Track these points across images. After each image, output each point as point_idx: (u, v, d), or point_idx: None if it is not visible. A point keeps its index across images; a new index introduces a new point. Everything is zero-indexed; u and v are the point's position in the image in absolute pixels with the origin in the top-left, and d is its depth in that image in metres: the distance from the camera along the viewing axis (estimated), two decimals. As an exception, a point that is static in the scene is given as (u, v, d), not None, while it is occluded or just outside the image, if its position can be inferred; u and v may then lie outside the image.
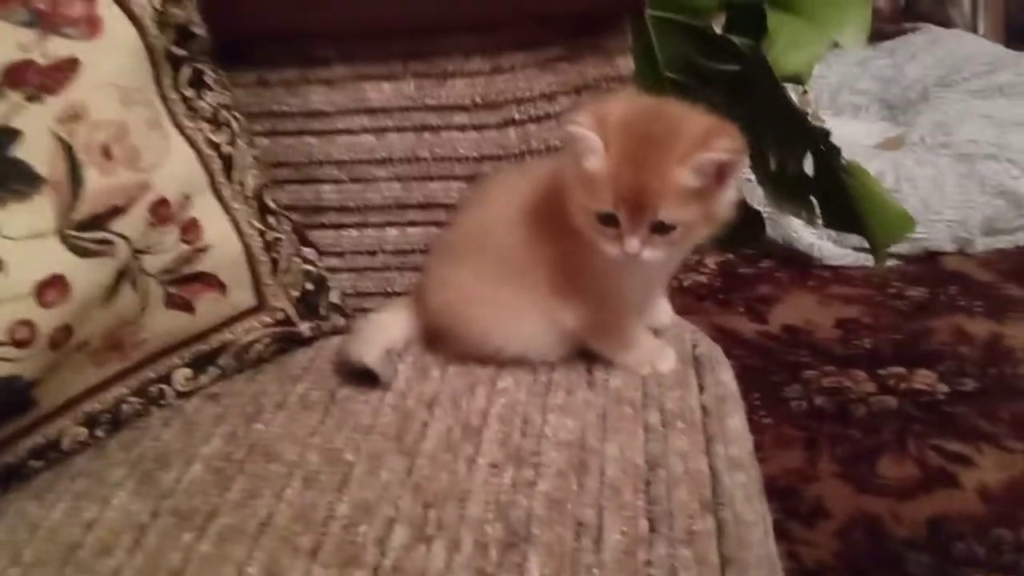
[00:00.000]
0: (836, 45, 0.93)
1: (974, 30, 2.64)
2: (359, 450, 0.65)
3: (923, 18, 2.69)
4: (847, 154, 0.92)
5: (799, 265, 1.94)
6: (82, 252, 0.62)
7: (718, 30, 0.88)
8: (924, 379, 1.54)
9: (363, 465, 0.64)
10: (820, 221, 0.99)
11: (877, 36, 2.37)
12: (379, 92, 0.77)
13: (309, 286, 0.79)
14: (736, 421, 0.67)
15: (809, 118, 0.93)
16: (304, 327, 0.79)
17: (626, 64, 0.73)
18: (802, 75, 0.93)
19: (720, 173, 0.61)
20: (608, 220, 0.63)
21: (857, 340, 1.68)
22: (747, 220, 0.93)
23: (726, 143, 0.60)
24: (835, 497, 1.29)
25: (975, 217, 1.89)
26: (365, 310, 0.84)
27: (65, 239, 0.61)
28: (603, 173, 0.61)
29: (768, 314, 1.78)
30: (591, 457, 0.61)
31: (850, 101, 2.37)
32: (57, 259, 0.61)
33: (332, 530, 0.58)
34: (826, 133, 0.90)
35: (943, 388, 1.51)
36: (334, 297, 0.82)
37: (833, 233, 1.85)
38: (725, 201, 0.64)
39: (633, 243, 0.62)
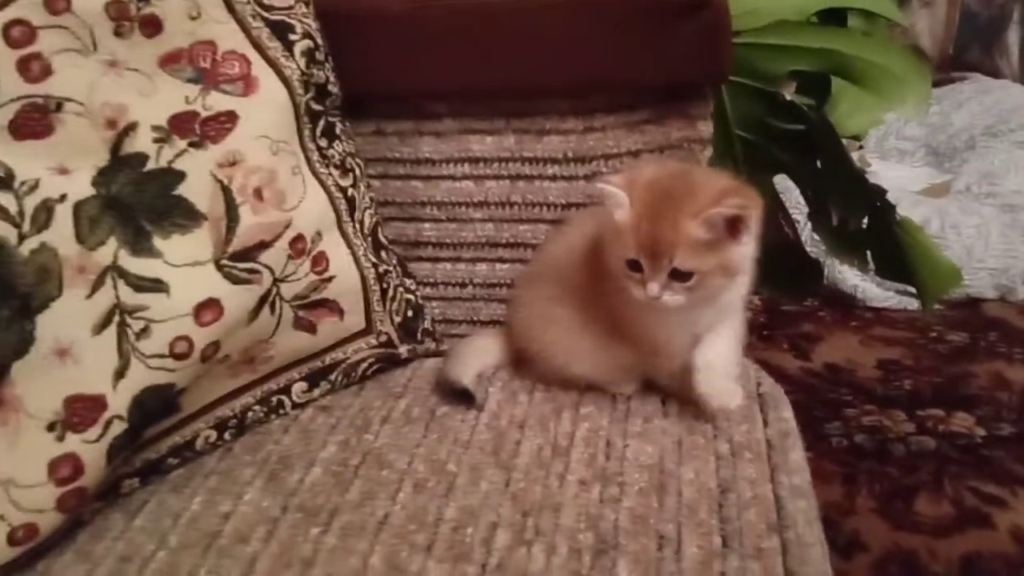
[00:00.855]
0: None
1: (1022, 81, 2.69)
2: (460, 462, 0.74)
3: (972, 68, 2.75)
4: (892, 198, 0.99)
5: (843, 305, 2.00)
6: (234, 279, 0.72)
7: (788, 96, 0.96)
8: (962, 422, 1.59)
9: (465, 475, 0.72)
10: (872, 271, 1.06)
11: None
12: (482, 144, 0.87)
13: (409, 313, 0.89)
14: (797, 454, 0.74)
15: (856, 162, 1.00)
16: (403, 349, 0.89)
17: (707, 128, 0.81)
18: (860, 136, 1.01)
19: (732, 227, 0.68)
20: (634, 266, 0.70)
21: (897, 381, 1.74)
22: (807, 268, 1.01)
23: (736, 201, 0.67)
24: (872, 532, 1.35)
25: (1017, 266, 1.94)
26: (453, 336, 0.93)
27: (220, 267, 0.71)
28: (628, 225, 0.70)
29: (811, 352, 1.84)
30: (669, 479, 0.70)
31: (896, 147, 2.42)
32: (213, 284, 0.71)
33: (442, 531, 0.67)
34: (883, 191, 0.97)
35: (980, 432, 1.56)
36: (428, 323, 0.92)
37: (876, 276, 1.91)
38: (740, 255, 0.70)
39: (653, 287, 0.69)
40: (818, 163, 0.96)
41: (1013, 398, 1.65)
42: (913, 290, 1.09)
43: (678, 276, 0.69)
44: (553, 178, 0.86)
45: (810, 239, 1.16)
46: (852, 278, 1.98)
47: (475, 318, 0.95)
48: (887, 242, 1.00)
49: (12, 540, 0.66)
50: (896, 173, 2.19)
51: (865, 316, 1.97)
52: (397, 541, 0.66)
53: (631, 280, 0.71)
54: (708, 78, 0.81)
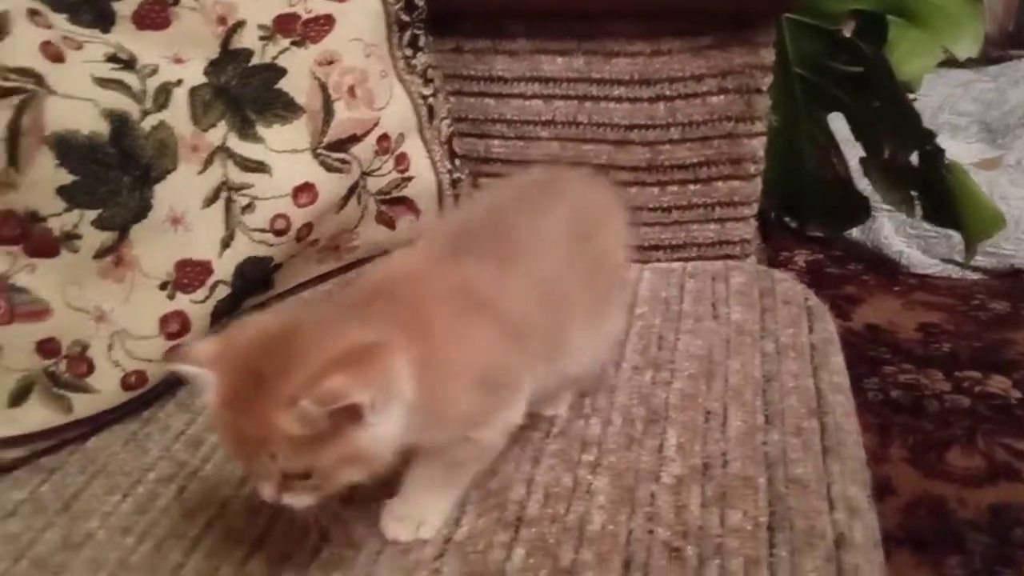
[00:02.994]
0: (947, 60, 1.04)
1: (1082, 62, 2.66)
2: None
3: (1031, 46, 2.72)
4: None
5: (886, 271, 2.02)
6: (328, 167, 0.79)
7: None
8: (999, 384, 1.62)
9: (527, 360, 0.79)
10: (918, 215, 1.10)
11: (983, 60, 2.42)
12: (553, 64, 0.92)
13: (477, 222, 0.95)
14: (838, 359, 0.80)
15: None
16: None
17: (769, 55, 0.86)
18: (913, 84, 1.05)
19: (349, 412, 0.48)
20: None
21: (936, 344, 1.76)
22: (854, 203, 1.05)
23: (340, 383, 0.47)
24: (903, 479, 1.39)
25: (1064, 239, 1.94)
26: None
27: (316, 155, 0.78)
28: (212, 415, 0.52)
29: (852, 312, 1.87)
30: (717, 368, 0.75)
31: (950, 121, 2.42)
32: (309, 170, 0.78)
33: (506, 402, 0.73)
34: (934, 134, 1.01)
35: (1016, 394, 1.59)
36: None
37: (922, 243, 1.93)
38: (371, 440, 0.51)
39: (265, 491, 0.52)
40: (874, 103, 1.00)
41: (1052, 364, 1.67)
42: (957, 259, 1.12)
43: (294, 475, 0.51)
44: (619, 99, 0.92)
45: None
46: (897, 244, 1.99)
47: (536, 235, 1.01)
48: (935, 184, 1.04)
49: (125, 385, 0.74)
50: (948, 147, 2.19)
51: (908, 282, 1.98)
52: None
53: (251, 479, 0.55)
54: (774, 5, 0.85)
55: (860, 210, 1.12)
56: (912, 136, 0.98)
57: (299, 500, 0.52)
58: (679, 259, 0.95)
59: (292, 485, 0.52)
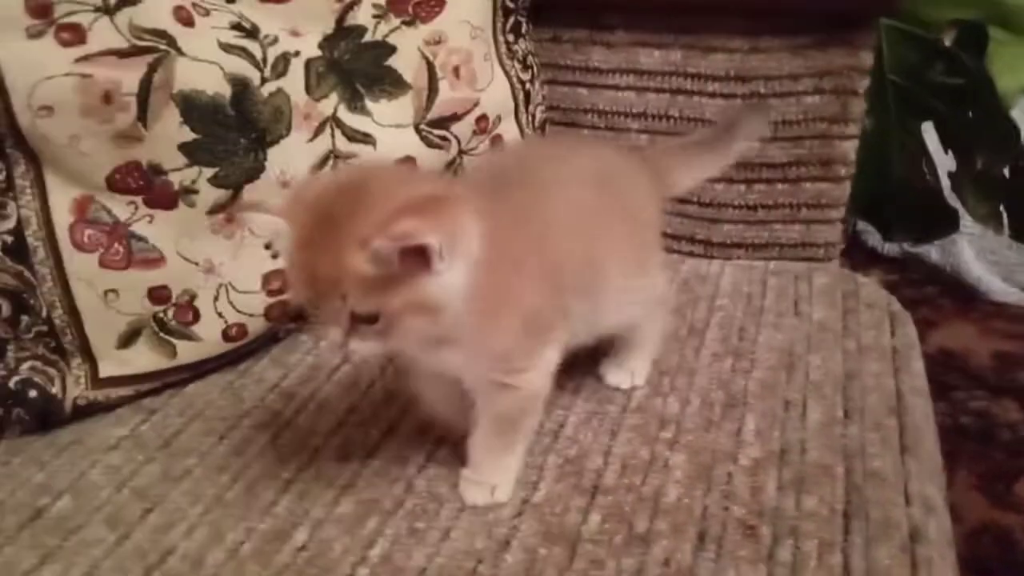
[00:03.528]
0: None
1: None
2: (604, 331, 0.82)
3: None
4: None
5: (963, 296, 1.98)
6: (429, 143, 0.82)
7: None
8: (1077, 419, 1.58)
9: (608, 342, 0.81)
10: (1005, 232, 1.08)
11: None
12: (649, 57, 0.94)
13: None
14: (918, 364, 0.80)
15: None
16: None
17: (867, 57, 0.86)
18: (1010, 98, 1.03)
19: (418, 256, 0.50)
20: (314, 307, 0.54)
21: (1011, 374, 1.72)
22: (941, 214, 1.04)
23: (412, 226, 0.49)
24: (969, 506, 1.36)
25: None
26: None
27: (419, 131, 0.82)
28: (287, 260, 0.54)
29: (926, 336, 1.83)
30: (797, 362, 0.76)
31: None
32: (412, 144, 0.81)
33: (587, 381, 0.75)
34: (1028, 149, 1.00)
35: (1095, 430, 1.54)
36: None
37: (1003, 269, 1.89)
38: (438, 289, 0.52)
39: (333, 334, 0.53)
40: (969, 113, 0.99)
41: None
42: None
43: (362, 319, 0.53)
44: (712, 95, 0.93)
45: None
46: (977, 270, 1.96)
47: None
48: (1024, 200, 1.02)
49: (226, 336, 0.78)
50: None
51: (986, 309, 1.95)
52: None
53: (319, 324, 0.55)
54: (876, 6, 0.86)
55: (948, 221, 1.11)
56: (1007, 149, 0.97)
57: (364, 347, 0.53)
58: (761, 258, 0.95)
59: (358, 330, 0.53)
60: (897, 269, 2.03)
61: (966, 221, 1.20)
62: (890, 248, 1.91)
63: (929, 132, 1.02)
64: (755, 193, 0.94)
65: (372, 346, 0.54)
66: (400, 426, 0.71)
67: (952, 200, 1.08)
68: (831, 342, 0.79)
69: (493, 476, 0.64)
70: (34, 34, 0.66)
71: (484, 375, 0.60)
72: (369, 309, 0.52)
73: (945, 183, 1.07)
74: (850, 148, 0.90)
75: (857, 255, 1.98)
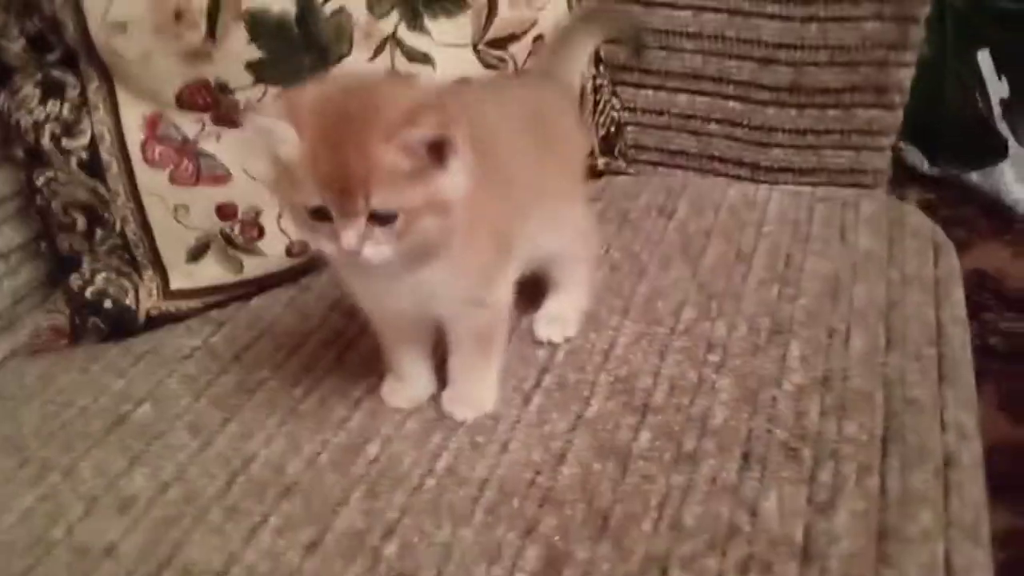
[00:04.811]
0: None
1: None
2: (652, 253, 0.85)
3: None
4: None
5: (1000, 218, 1.97)
6: (486, 64, 0.83)
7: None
8: (1103, 340, 1.59)
9: (656, 264, 0.83)
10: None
11: None
12: (706, -26, 0.93)
13: (612, 128, 0.98)
14: (959, 294, 0.81)
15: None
16: (600, 161, 0.99)
17: (927, -19, 0.85)
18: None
19: (436, 152, 0.53)
20: (319, 214, 0.54)
21: (1046, 296, 1.73)
22: (991, 142, 1.04)
23: (434, 119, 0.53)
24: (990, 423, 1.38)
25: None
26: (640, 163, 1.03)
27: (477, 51, 0.82)
28: (301, 161, 0.53)
29: (960, 256, 1.84)
30: (842, 290, 0.78)
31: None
32: (469, 64, 0.82)
33: (635, 301, 0.78)
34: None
35: (1121, 351, 1.56)
36: (624, 143, 1.01)
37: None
38: (451, 186, 0.55)
39: (349, 236, 0.53)
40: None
41: None
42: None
43: (379, 219, 0.54)
44: (770, 16, 0.92)
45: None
46: (1017, 192, 1.93)
47: (665, 147, 1.03)
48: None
49: (289, 252, 0.81)
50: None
51: (1022, 231, 1.94)
52: (595, 304, 0.77)
53: (319, 234, 0.56)
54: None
55: (996, 150, 1.11)
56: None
57: (377, 251, 0.54)
58: (808, 183, 0.96)
59: (372, 234, 0.54)
60: (934, 188, 2.01)
61: (1012, 146, 1.19)
62: (929, 167, 1.88)
63: (984, 60, 1.00)
64: (806, 118, 0.94)
65: (385, 250, 0.55)
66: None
67: (1002, 128, 1.07)
68: (876, 271, 0.81)
69: (478, 391, 0.68)
70: (107, -48, 0.66)
71: (460, 295, 0.63)
72: (390, 207, 0.53)
73: (996, 110, 1.06)
74: (906, 76, 0.89)
75: (896, 173, 1.97)
